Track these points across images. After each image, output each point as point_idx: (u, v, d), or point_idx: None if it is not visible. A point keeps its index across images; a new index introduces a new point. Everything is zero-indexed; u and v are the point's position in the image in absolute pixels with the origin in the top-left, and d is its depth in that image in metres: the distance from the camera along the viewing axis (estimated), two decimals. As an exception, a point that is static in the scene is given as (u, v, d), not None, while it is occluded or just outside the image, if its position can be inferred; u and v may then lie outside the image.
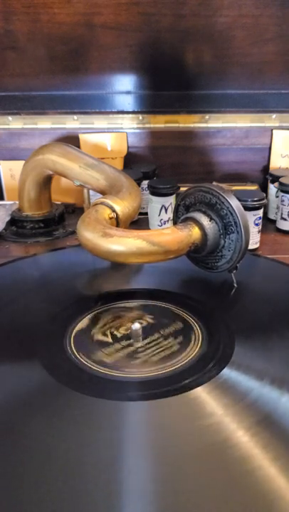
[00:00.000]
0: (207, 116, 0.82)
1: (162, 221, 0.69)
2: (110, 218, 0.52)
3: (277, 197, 0.72)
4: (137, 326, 0.43)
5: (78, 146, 0.79)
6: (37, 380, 0.37)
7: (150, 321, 0.46)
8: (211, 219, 0.49)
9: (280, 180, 0.69)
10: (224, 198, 0.48)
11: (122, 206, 0.53)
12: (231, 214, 0.48)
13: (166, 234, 0.47)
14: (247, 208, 0.60)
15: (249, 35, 0.71)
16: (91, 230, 0.48)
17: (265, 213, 0.74)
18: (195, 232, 0.48)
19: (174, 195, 0.68)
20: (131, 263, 0.51)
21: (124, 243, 0.45)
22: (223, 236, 0.49)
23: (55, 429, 0.32)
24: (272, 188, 0.74)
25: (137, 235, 0.46)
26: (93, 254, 0.47)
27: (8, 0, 0.65)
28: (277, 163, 0.82)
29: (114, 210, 0.53)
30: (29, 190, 0.69)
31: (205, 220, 0.49)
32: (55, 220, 0.72)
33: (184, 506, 0.27)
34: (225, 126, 0.82)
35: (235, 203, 0.48)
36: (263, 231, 0.66)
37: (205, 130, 0.82)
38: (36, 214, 0.71)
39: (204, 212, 0.49)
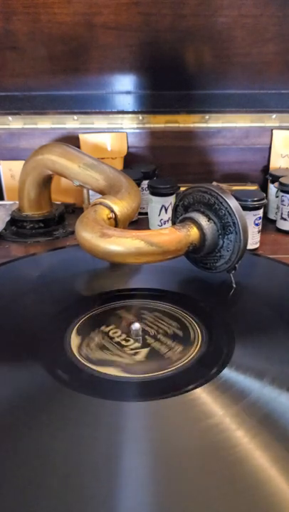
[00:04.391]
0: (207, 116, 0.82)
1: (162, 221, 0.69)
2: (109, 219, 0.52)
3: (277, 197, 0.72)
4: (136, 326, 0.43)
5: (78, 146, 0.79)
6: (37, 380, 0.37)
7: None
8: (209, 219, 0.49)
9: (280, 180, 0.69)
10: (222, 198, 0.48)
11: (120, 206, 0.53)
12: (230, 214, 0.48)
13: (165, 234, 0.47)
14: (247, 208, 0.60)
15: (249, 35, 0.71)
16: (89, 230, 0.47)
17: (265, 213, 0.74)
18: (193, 233, 0.48)
19: (174, 195, 0.68)
20: (129, 263, 0.51)
21: (122, 243, 0.45)
22: (222, 236, 0.49)
23: (55, 429, 0.32)
24: (272, 188, 0.74)
25: (136, 235, 0.46)
26: (91, 254, 0.47)
27: (8, 0, 0.65)
28: (277, 163, 0.82)
29: (112, 211, 0.53)
30: (29, 190, 0.69)
31: (203, 221, 0.49)
32: (55, 220, 0.72)
33: (184, 507, 0.27)
34: (225, 126, 0.82)
35: (233, 204, 0.48)
36: (263, 231, 0.66)
37: (205, 130, 0.82)
38: (36, 214, 0.71)
39: (203, 213, 0.49)
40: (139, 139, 0.83)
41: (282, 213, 0.70)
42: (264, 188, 0.78)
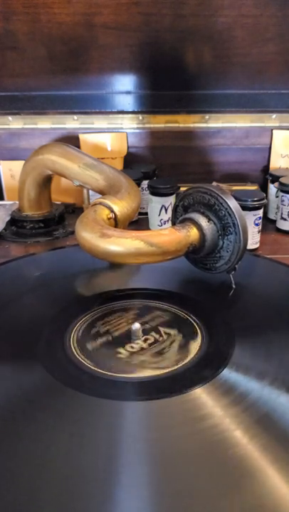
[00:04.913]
0: (207, 116, 0.82)
1: (162, 221, 0.69)
2: (109, 219, 0.52)
3: (277, 197, 0.72)
4: (136, 326, 0.43)
5: (78, 146, 0.79)
6: (37, 380, 0.38)
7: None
8: (209, 220, 0.49)
9: (280, 180, 0.69)
10: (222, 198, 0.48)
11: (120, 206, 0.54)
12: (230, 215, 0.48)
13: (164, 235, 0.47)
14: (247, 208, 0.60)
15: (249, 35, 0.71)
16: (89, 230, 0.48)
17: (265, 213, 0.74)
18: (193, 233, 0.48)
19: (174, 195, 0.68)
20: (129, 264, 0.51)
21: (122, 244, 0.45)
22: (222, 237, 0.49)
23: (55, 429, 0.32)
24: (272, 188, 0.74)
25: (135, 235, 0.46)
26: (91, 254, 0.47)
27: (8, 0, 0.65)
28: (277, 163, 0.82)
29: (112, 211, 0.53)
30: (29, 190, 0.69)
31: (203, 221, 0.49)
32: (55, 220, 0.72)
33: (183, 507, 0.27)
34: (225, 126, 0.82)
35: (233, 204, 0.48)
36: (263, 231, 0.66)
37: (205, 130, 0.82)
38: (36, 214, 0.71)
39: (203, 213, 0.49)
40: (139, 139, 0.83)
41: (282, 213, 0.70)
42: (264, 188, 0.78)
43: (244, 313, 0.48)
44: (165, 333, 0.44)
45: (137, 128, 0.82)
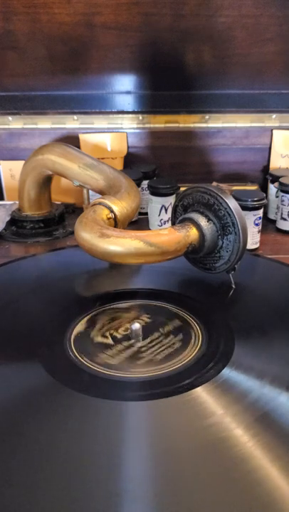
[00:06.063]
0: (207, 116, 0.82)
1: (162, 221, 0.69)
2: (108, 219, 0.52)
3: (277, 197, 0.72)
4: (136, 326, 0.43)
5: (78, 146, 0.79)
6: (37, 380, 0.37)
7: (150, 321, 0.46)
8: (208, 220, 0.49)
9: (280, 180, 0.69)
10: (222, 198, 0.48)
11: (120, 206, 0.54)
12: (229, 215, 0.48)
13: (164, 234, 0.47)
14: (247, 208, 0.60)
15: (249, 35, 0.71)
16: (88, 230, 0.48)
17: (265, 213, 0.74)
18: (193, 233, 0.48)
19: (174, 195, 0.68)
20: (128, 264, 0.51)
21: (121, 244, 0.45)
22: (221, 237, 0.49)
23: (55, 429, 0.32)
24: (272, 188, 0.74)
25: (134, 235, 0.46)
26: (90, 254, 0.47)
27: (8, 0, 0.65)
28: (277, 163, 0.82)
29: (112, 211, 0.53)
30: (29, 190, 0.69)
31: (203, 221, 0.49)
32: (55, 220, 0.72)
33: (184, 506, 0.27)
34: (225, 126, 0.82)
35: (232, 204, 0.48)
36: (263, 231, 0.66)
37: (205, 130, 0.82)
38: (36, 214, 0.71)
39: (202, 213, 0.49)
40: (139, 139, 0.83)
41: (282, 213, 0.70)
42: (264, 188, 0.78)
43: (244, 312, 0.48)
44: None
45: (137, 128, 0.82)
